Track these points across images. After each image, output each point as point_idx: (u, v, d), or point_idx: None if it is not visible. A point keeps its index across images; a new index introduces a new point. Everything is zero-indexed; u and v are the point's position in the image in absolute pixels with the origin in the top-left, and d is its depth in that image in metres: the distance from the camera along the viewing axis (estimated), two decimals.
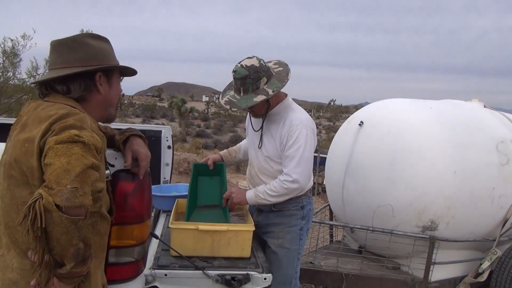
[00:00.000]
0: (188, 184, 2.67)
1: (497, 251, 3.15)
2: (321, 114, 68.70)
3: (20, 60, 6.92)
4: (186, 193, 2.74)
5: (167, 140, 3.52)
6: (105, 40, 1.55)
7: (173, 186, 3.27)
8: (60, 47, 1.47)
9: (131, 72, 1.63)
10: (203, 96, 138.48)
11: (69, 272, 1.22)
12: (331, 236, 4.15)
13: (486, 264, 3.15)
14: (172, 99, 33.02)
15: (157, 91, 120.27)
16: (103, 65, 1.49)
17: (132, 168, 1.63)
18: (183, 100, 30.37)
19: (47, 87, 1.46)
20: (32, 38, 7.04)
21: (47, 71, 1.68)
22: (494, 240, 3.19)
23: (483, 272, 3.15)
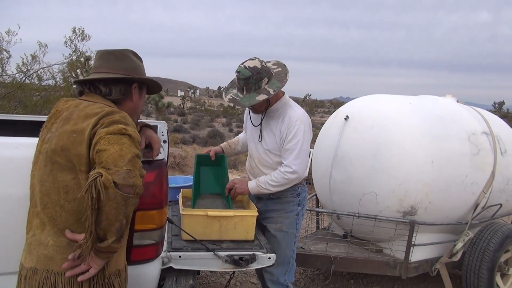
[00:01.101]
0: (185, 176, 2.85)
1: (469, 233, 3.46)
2: None
3: (10, 56, 6.87)
4: (186, 184, 2.93)
5: (163, 135, 3.68)
6: (141, 59, 1.83)
7: (172, 178, 3.45)
8: (108, 56, 1.71)
9: (157, 89, 1.92)
10: (179, 91, 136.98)
11: (108, 247, 1.41)
12: (317, 222, 4.40)
13: (459, 245, 3.45)
14: (149, 94, 32.73)
15: None
16: (141, 77, 1.75)
17: (145, 154, 1.83)
18: (160, 95, 30.14)
19: (90, 86, 1.64)
20: (16, 33, 6.97)
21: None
22: (467, 223, 3.50)
23: (457, 252, 3.46)
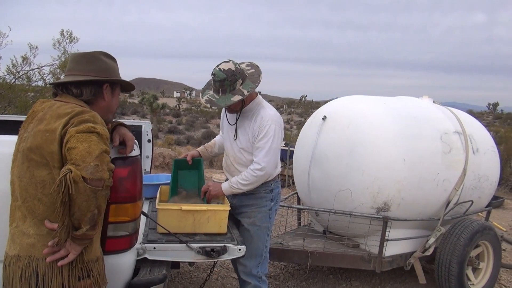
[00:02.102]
0: (167, 174, 2.99)
1: (441, 229, 3.60)
2: (292, 109, 69.47)
3: (0, 58, 6.99)
4: (167, 181, 3.06)
5: (147, 134, 3.81)
6: (114, 59, 1.96)
7: (154, 176, 3.57)
8: (80, 59, 1.85)
9: (130, 88, 2.04)
10: (174, 92, 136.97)
11: (83, 234, 1.55)
12: (299, 219, 4.53)
13: (432, 240, 3.59)
14: (143, 95, 32.78)
15: None
16: (111, 78, 1.88)
17: (119, 150, 1.96)
18: (155, 96, 30.20)
19: (62, 88, 1.78)
20: (7, 35, 7.09)
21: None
22: (439, 219, 3.64)
23: (429, 247, 3.60)
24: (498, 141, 14.21)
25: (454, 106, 4.59)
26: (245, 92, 2.45)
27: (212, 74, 2.47)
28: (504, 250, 4.63)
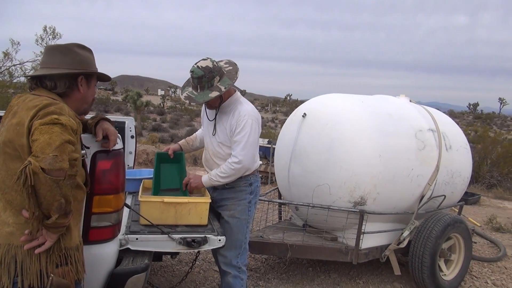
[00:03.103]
0: (150, 169, 3.07)
1: (415, 222, 3.75)
2: (277, 108, 69.78)
3: None
4: (150, 176, 3.14)
5: (131, 130, 3.88)
6: (89, 50, 1.98)
7: (137, 171, 3.64)
8: (53, 52, 1.89)
9: (106, 78, 2.07)
10: (159, 90, 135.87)
11: (54, 223, 1.60)
12: (280, 214, 4.64)
13: (406, 233, 3.74)
14: (127, 93, 32.49)
15: (110, 84, 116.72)
16: (86, 70, 1.91)
17: (103, 144, 2.03)
18: (139, 94, 29.97)
19: (37, 82, 1.83)
20: None
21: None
22: (413, 213, 3.80)
23: (404, 240, 3.75)
24: (477, 140, 14.61)
25: (436, 106, 4.77)
26: (223, 88, 2.55)
27: (191, 71, 2.56)
28: (475, 243, 4.82)
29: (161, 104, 56.68)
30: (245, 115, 2.58)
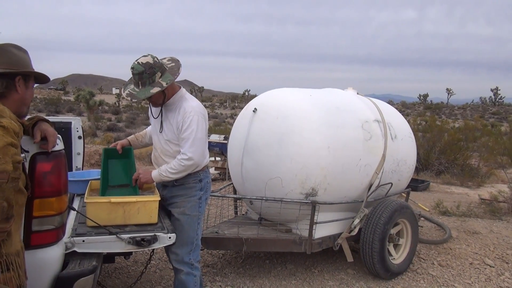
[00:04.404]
0: (99, 170, 3.00)
1: (365, 210, 3.90)
2: (236, 104, 69.77)
3: None
4: (99, 177, 3.06)
5: (78, 131, 3.77)
6: (25, 51, 1.94)
7: (86, 172, 3.54)
8: None
9: (44, 79, 2.02)
10: (113, 89, 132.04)
11: None
12: (236, 209, 4.68)
13: (357, 221, 3.88)
14: (79, 92, 31.34)
15: (61, 84, 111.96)
16: (23, 70, 1.86)
17: (41, 146, 1.97)
18: (91, 93, 28.99)
19: None
20: None
21: None
22: (363, 201, 3.94)
23: (355, 228, 3.89)
24: (426, 129, 15.28)
25: (389, 98, 4.96)
26: (164, 84, 2.53)
27: (131, 68, 2.54)
28: (421, 227, 5.07)
29: (116, 103, 55.12)
30: (191, 112, 2.58)
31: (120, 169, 2.95)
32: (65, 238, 2.21)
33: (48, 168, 1.99)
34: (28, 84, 1.93)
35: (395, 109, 4.80)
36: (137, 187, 2.72)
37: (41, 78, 2.02)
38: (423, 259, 4.51)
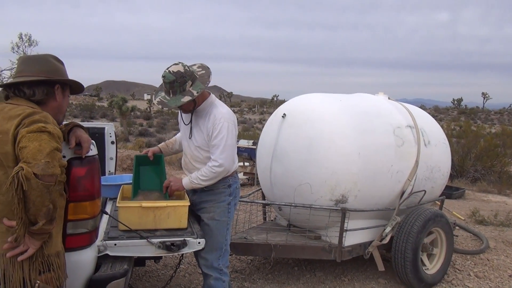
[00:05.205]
0: (131, 174, 3.06)
1: (397, 218, 3.80)
2: (264, 109, 69.92)
3: None
4: (131, 181, 3.12)
5: (111, 136, 3.86)
6: (62, 63, 2.05)
7: (118, 176, 3.61)
8: (30, 61, 1.93)
9: (80, 89, 2.12)
10: (145, 95, 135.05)
11: (40, 229, 1.62)
12: (264, 215, 4.66)
13: (388, 229, 3.79)
14: (112, 98, 32.24)
15: (95, 90, 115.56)
16: (62, 78, 1.97)
17: (76, 151, 2.03)
18: (124, 99, 29.75)
19: (14, 90, 1.84)
20: None
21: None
22: (394, 209, 3.84)
23: (386, 236, 3.79)
24: (461, 135, 14.82)
25: (421, 103, 4.85)
26: (195, 93, 2.56)
27: (162, 76, 2.57)
28: (457, 236, 4.90)
29: (148, 109, 56.33)
30: (221, 119, 2.59)
31: (151, 175, 3.00)
32: (98, 242, 2.25)
33: (82, 173, 2.04)
34: (65, 93, 2.03)
35: (428, 114, 4.66)
36: (167, 194, 2.75)
37: (77, 89, 2.12)
38: (459, 269, 4.35)
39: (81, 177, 2.05)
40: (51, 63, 1.96)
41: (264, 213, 4.66)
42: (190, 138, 2.75)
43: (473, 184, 10.34)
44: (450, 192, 8.29)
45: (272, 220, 4.60)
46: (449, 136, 11.58)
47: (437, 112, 60.75)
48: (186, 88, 2.56)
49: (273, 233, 3.83)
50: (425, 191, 4.02)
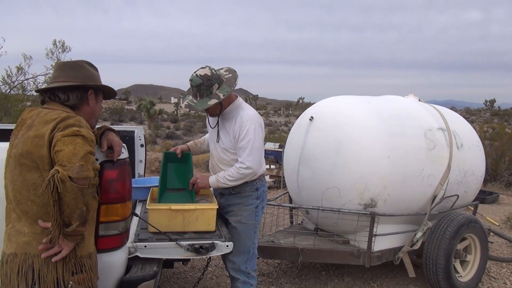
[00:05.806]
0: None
1: (428, 223, 3.69)
2: (290, 112, 69.76)
3: None
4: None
5: (140, 139, 3.93)
6: (95, 68, 2.11)
7: (147, 179, 3.67)
8: (65, 67, 2.00)
9: (112, 94, 2.18)
10: (172, 98, 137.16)
11: (73, 230, 1.66)
12: (291, 218, 4.63)
13: (419, 235, 3.69)
14: (141, 102, 32.92)
15: (124, 94, 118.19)
16: (96, 83, 2.03)
17: (108, 155, 2.08)
18: (152, 103, 30.33)
19: (50, 95, 1.90)
20: (2, 46, 7.25)
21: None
22: (426, 214, 3.74)
23: (417, 241, 3.69)
24: (494, 137, 14.34)
25: (451, 104, 4.72)
26: (221, 96, 2.57)
27: (190, 80, 2.61)
28: (491, 243, 4.73)
29: (175, 112, 57.15)
30: (248, 121, 2.60)
31: (178, 173, 3.05)
32: (129, 243, 2.29)
33: (114, 175, 2.08)
34: (98, 98, 2.09)
35: (461, 116, 4.53)
36: (193, 191, 2.78)
37: (110, 94, 2.18)
38: (494, 277, 4.19)
39: (112, 179, 2.09)
40: (85, 69, 2.02)
41: (291, 217, 4.63)
42: (217, 141, 2.77)
43: (508, 188, 9.97)
44: (483, 196, 8.02)
45: (299, 224, 4.56)
46: (482, 139, 11.22)
47: (468, 114, 58.99)
48: (212, 91, 2.58)
49: (300, 237, 3.81)
50: (457, 196, 3.90)
